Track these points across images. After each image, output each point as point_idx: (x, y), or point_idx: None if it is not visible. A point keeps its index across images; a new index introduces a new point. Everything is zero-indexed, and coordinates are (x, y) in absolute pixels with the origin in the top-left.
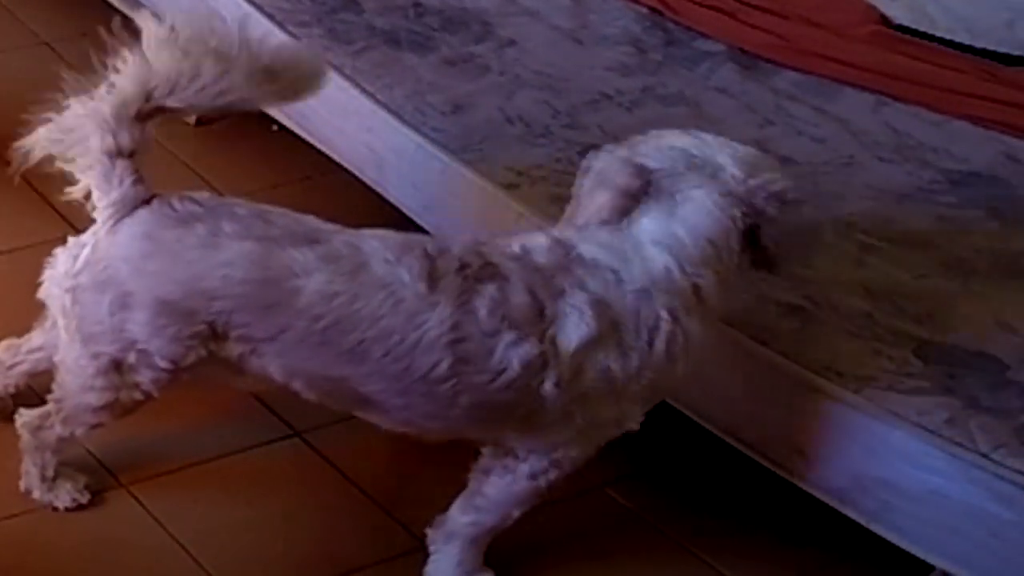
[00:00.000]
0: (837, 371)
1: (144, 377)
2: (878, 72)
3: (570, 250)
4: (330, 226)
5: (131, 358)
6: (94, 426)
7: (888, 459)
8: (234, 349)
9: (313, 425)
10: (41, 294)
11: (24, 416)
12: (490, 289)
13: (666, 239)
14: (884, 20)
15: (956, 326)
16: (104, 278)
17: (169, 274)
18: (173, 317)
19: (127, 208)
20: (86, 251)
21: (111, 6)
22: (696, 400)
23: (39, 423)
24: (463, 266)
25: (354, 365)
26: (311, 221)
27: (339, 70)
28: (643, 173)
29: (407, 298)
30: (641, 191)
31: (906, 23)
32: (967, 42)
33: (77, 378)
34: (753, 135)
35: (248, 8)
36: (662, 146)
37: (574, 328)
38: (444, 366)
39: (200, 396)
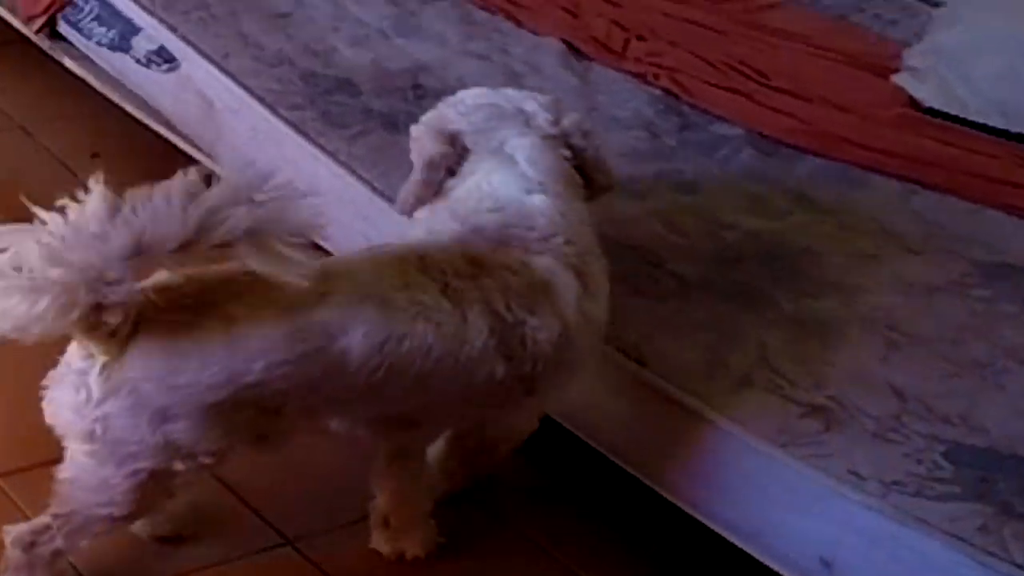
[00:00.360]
0: (861, 475)
1: (183, 477)
2: (906, 158)
3: (480, 228)
4: (311, 261)
5: (176, 465)
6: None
7: (917, 568)
8: (289, 421)
9: (305, 533)
10: (50, 420)
11: (12, 532)
12: (489, 283)
13: (532, 186)
14: (912, 103)
15: (989, 427)
16: (133, 402)
17: (203, 382)
18: (221, 415)
19: (124, 330)
20: (97, 380)
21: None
22: (714, 505)
23: (32, 539)
24: (455, 271)
25: (418, 396)
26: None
27: (333, 156)
28: (454, 139)
29: (443, 320)
30: (457, 154)
31: (936, 106)
32: (1001, 126)
33: (99, 495)
34: (773, 226)
35: (239, 91)
36: (469, 106)
37: (565, 290)
38: (500, 369)
39: (185, 501)
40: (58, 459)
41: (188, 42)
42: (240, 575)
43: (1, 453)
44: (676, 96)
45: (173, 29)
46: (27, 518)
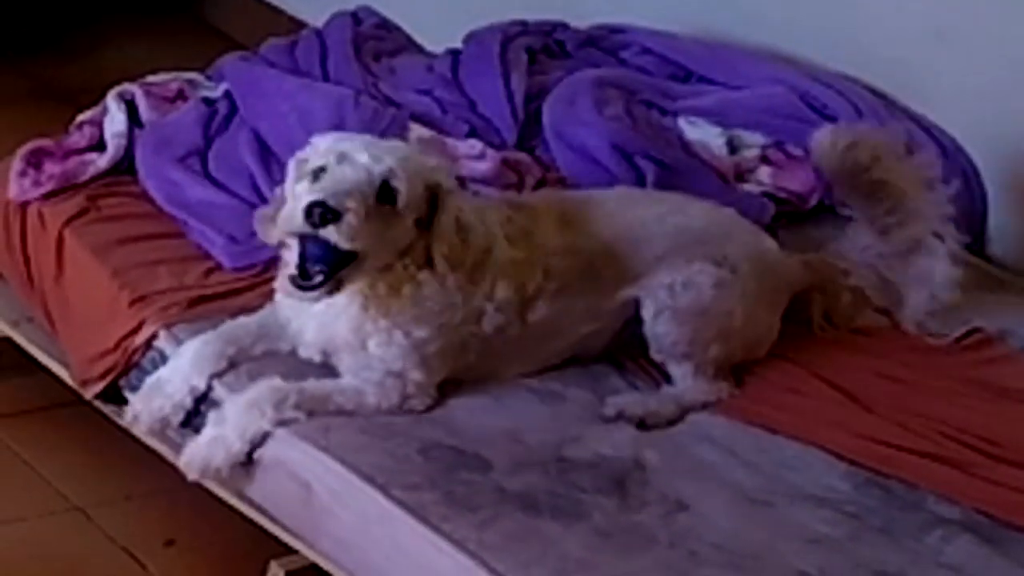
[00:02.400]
0: None
1: None
2: None
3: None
4: None
5: None
6: None
7: None
8: None
9: (95, 501)
10: None
11: None
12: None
13: None
14: None
15: None
16: None
17: None
18: None
19: None
20: None
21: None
22: None
23: None
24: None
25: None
26: None
27: (460, 545)
28: None
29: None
30: None
31: None
32: None
33: None
34: None
35: (341, 469)
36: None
37: None
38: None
39: None
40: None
41: None
42: (24, 535)
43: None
44: (877, 471)
45: None
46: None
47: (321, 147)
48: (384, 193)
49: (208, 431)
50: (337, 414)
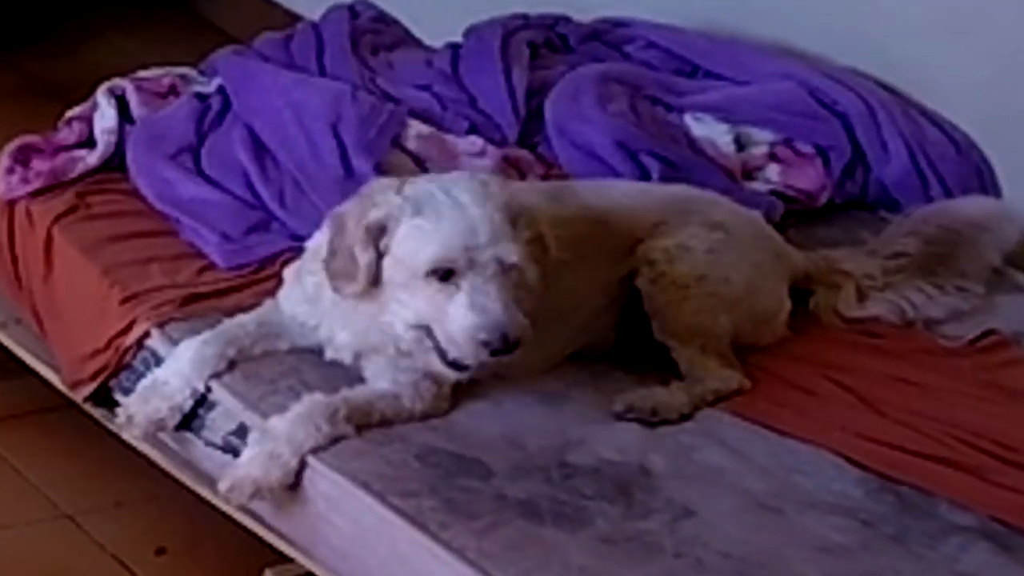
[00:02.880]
0: None
1: None
2: None
3: None
4: None
5: None
6: None
7: None
8: None
9: (85, 508)
10: None
11: None
12: None
13: None
14: None
15: None
16: None
17: None
18: None
19: None
20: None
21: (208, 511)
22: None
23: None
24: None
25: None
26: None
27: (460, 553)
28: None
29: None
30: None
31: None
32: None
33: None
34: None
35: (336, 477)
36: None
37: None
38: None
39: None
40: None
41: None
42: (10, 543)
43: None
44: (889, 477)
45: (254, 407)
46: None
47: (393, 203)
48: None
49: (254, 450)
50: (380, 425)
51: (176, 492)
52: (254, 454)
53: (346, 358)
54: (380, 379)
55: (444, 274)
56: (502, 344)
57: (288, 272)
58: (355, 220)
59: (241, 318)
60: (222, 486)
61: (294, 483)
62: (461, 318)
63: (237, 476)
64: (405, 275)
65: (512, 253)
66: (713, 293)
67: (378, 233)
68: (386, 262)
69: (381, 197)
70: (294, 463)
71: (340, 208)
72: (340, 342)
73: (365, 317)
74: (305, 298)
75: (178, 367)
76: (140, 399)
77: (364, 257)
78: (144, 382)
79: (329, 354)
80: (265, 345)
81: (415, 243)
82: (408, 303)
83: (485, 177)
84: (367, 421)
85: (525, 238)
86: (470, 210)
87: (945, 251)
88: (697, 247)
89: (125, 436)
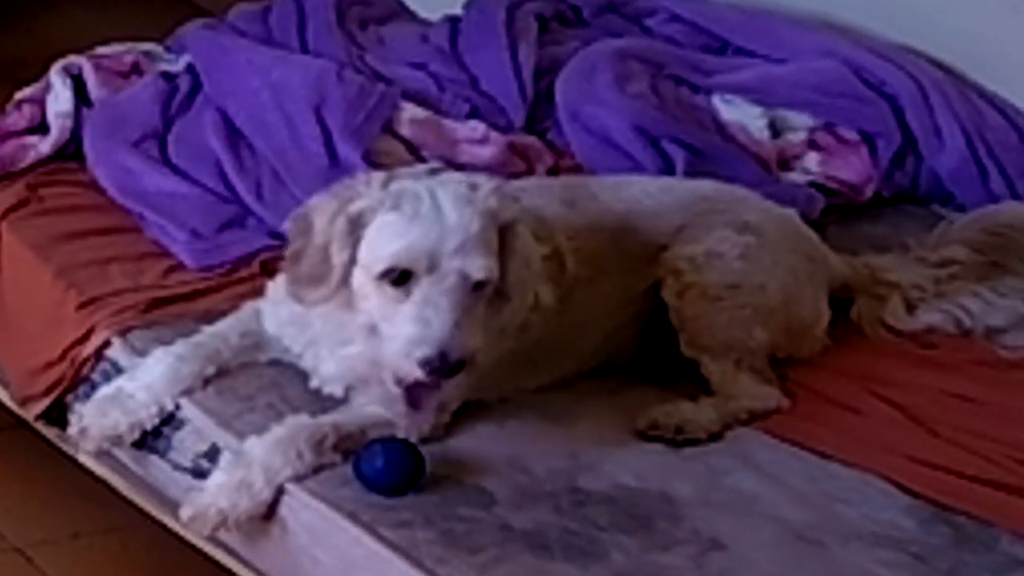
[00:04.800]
0: None
1: None
2: None
3: None
4: None
5: None
6: None
7: None
8: None
9: (34, 540)
10: None
11: None
12: None
13: None
14: None
15: None
16: None
17: None
18: None
19: None
20: None
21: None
22: None
23: None
24: None
25: None
26: None
27: None
28: None
29: None
30: None
31: None
32: None
33: None
34: None
35: (320, 505)
36: None
37: None
38: None
39: None
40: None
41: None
42: None
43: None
44: (944, 506)
45: (227, 425)
46: None
47: (376, 197)
48: (480, 283)
49: (224, 476)
50: None
51: (139, 522)
52: (223, 480)
53: (336, 391)
54: (373, 405)
55: (399, 277)
56: (440, 364)
57: (272, 286)
58: (327, 216)
59: (221, 328)
60: (183, 514)
61: (271, 513)
62: (401, 328)
63: (201, 504)
64: (364, 276)
65: (480, 269)
66: (747, 304)
67: (358, 227)
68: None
69: (365, 189)
70: (267, 494)
71: (306, 205)
72: (327, 373)
73: (357, 343)
74: (292, 319)
75: (147, 380)
76: (98, 410)
77: (341, 256)
78: (105, 390)
79: (314, 383)
80: (245, 357)
81: (379, 240)
82: (364, 308)
83: (481, 181)
84: (356, 449)
85: (529, 255)
86: (446, 214)
87: (998, 257)
88: (727, 253)
89: (78, 452)
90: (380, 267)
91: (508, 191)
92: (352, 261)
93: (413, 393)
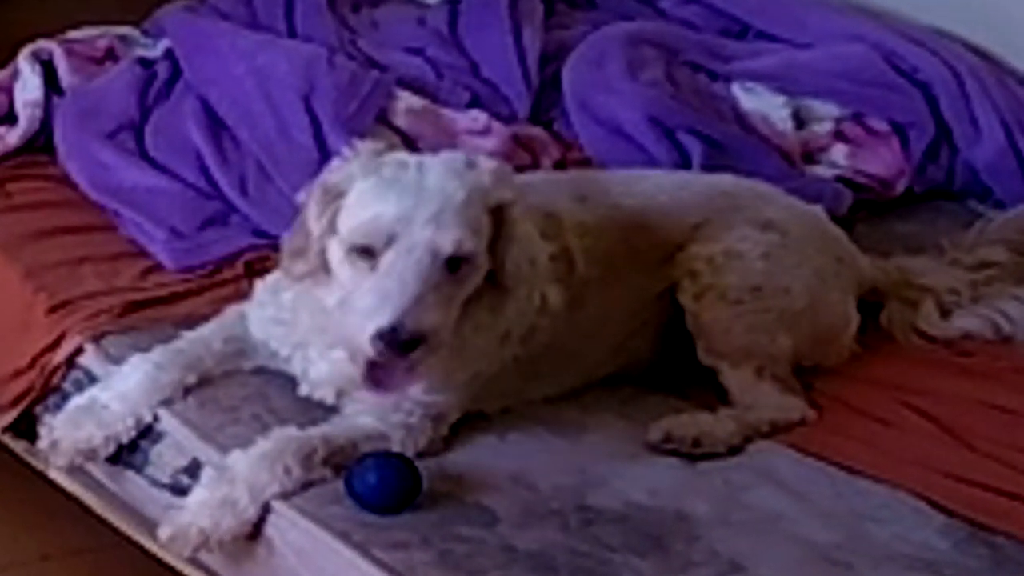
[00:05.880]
0: None
1: None
2: None
3: None
4: None
5: None
6: None
7: None
8: None
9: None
10: None
11: None
12: None
13: None
14: None
15: None
16: None
17: None
18: None
19: None
20: None
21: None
22: None
23: None
24: None
25: None
26: None
27: None
28: None
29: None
30: None
31: None
32: None
33: None
34: None
35: (316, 530)
36: None
37: None
38: None
39: None
40: None
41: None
42: None
43: None
44: (982, 525)
45: (209, 438)
46: None
47: (350, 172)
48: (455, 261)
49: (206, 492)
50: None
51: (114, 543)
52: (205, 497)
53: (327, 397)
54: (366, 415)
55: (368, 248)
56: (391, 337)
57: (261, 285)
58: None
59: (203, 334)
60: (162, 534)
61: (256, 533)
62: (360, 301)
63: (181, 523)
64: (338, 247)
65: (451, 243)
66: (769, 307)
67: (336, 196)
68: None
69: (353, 158)
70: (252, 512)
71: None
72: (317, 377)
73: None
74: (278, 318)
75: (123, 390)
76: (70, 422)
77: (318, 225)
78: (78, 401)
79: (304, 391)
80: (228, 365)
81: (354, 209)
82: (339, 283)
83: (481, 160)
84: (348, 464)
85: (535, 253)
86: (427, 183)
87: None
88: (748, 253)
89: (48, 468)
90: (349, 236)
91: (511, 176)
92: (331, 232)
93: (374, 371)
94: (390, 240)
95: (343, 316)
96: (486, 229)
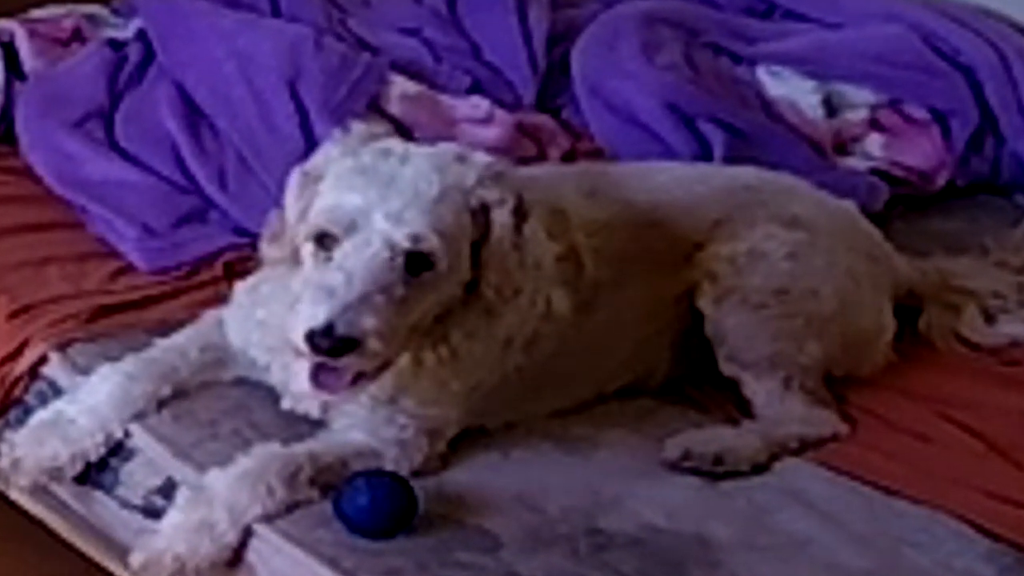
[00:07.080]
0: None
1: None
2: None
3: None
4: None
5: None
6: None
7: None
8: None
9: None
10: None
11: None
12: None
13: None
14: None
15: None
16: None
17: None
18: None
19: None
20: None
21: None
22: None
23: None
24: None
25: None
26: None
27: None
28: None
29: None
30: None
31: None
32: None
33: None
34: None
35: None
36: None
37: None
38: None
39: None
40: None
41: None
42: None
43: None
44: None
45: (184, 455)
46: None
47: (330, 155)
48: (415, 262)
49: (182, 515)
50: None
51: (82, 570)
52: (180, 520)
53: (312, 410)
54: (356, 430)
55: (325, 239)
56: (321, 338)
57: (240, 287)
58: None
59: (178, 341)
60: (134, 561)
61: (237, 559)
62: (306, 294)
63: (154, 549)
64: (302, 235)
65: (407, 237)
66: (797, 312)
67: (313, 180)
68: None
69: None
70: (232, 536)
71: None
72: (299, 388)
73: None
74: (255, 323)
75: (92, 403)
76: (33, 438)
77: (293, 210)
78: (42, 415)
79: (287, 403)
80: (206, 375)
81: (324, 195)
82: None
83: (477, 156)
84: (336, 484)
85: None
86: (401, 175)
87: None
88: (773, 252)
89: (9, 488)
90: (312, 222)
91: (510, 174)
92: (305, 218)
93: (316, 370)
94: (349, 231)
95: (293, 310)
96: (466, 231)
